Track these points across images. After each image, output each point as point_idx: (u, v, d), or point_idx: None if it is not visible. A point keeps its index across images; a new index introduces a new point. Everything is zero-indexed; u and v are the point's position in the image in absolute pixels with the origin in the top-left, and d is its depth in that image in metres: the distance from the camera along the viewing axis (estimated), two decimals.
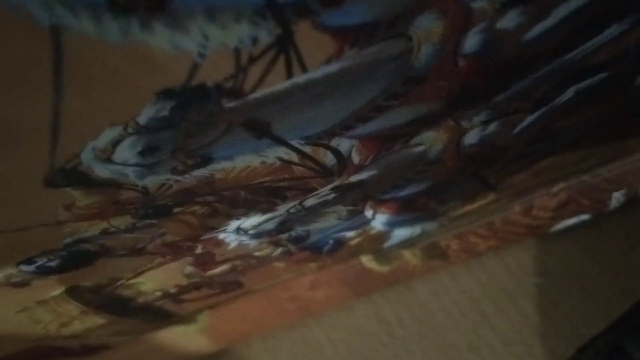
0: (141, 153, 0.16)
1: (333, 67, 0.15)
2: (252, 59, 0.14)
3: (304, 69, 0.15)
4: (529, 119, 0.23)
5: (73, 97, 0.13)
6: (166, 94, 0.14)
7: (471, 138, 0.23)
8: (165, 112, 0.14)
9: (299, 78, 0.15)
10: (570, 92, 0.22)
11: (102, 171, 0.16)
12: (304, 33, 0.14)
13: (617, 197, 0.35)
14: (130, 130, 0.15)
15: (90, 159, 0.15)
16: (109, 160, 0.16)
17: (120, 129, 0.15)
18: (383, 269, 0.35)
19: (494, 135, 0.23)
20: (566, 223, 0.35)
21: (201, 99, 0.14)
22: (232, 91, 0.15)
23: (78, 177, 0.16)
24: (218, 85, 0.14)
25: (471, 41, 0.16)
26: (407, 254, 0.35)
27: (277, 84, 0.15)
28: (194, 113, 0.15)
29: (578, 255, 0.35)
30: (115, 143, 0.15)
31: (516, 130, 0.24)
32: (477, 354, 0.35)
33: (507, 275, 0.36)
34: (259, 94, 0.15)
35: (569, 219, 0.35)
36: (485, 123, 0.22)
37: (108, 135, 0.15)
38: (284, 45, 0.14)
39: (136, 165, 0.16)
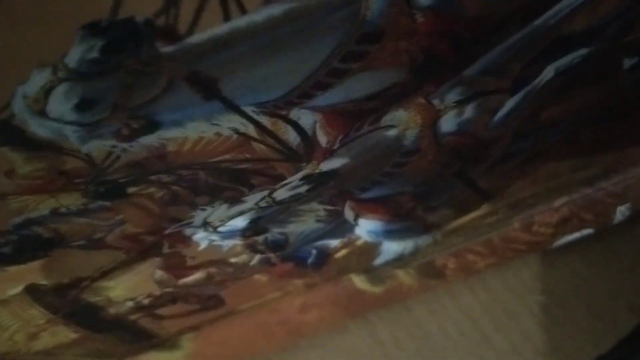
0: (78, 107, 0.15)
1: (275, 10, 0.14)
2: None
3: (242, 9, 0.14)
4: (509, 104, 0.22)
5: None
6: (91, 29, 0.13)
7: (448, 124, 0.22)
8: (95, 53, 0.14)
9: (239, 21, 0.14)
10: (550, 72, 0.21)
11: (38, 128, 0.15)
12: None
13: (621, 211, 0.34)
14: (60, 74, 0.14)
15: (23, 110, 0.15)
16: (43, 113, 0.15)
17: (49, 73, 0.14)
18: (376, 289, 0.34)
19: (473, 123, 0.22)
20: (568, 238, 0.33)
21: (133, 38, 0.14)
22: (166, 31, 0.14)
23: (13, 133, 0.15)
24: (149, 21, 0.14)
25: None
26: (401, 274, 0.33)
27: (216, 26, 0.14)
28: (128, 57, 0.14)
29: (582, 271, 0.34)
30: (47, 90, 0.14)
31: (497, 118, 0.23)
32: None
33: (508, 292, 0.34)
34: (197, 38, 0.14)
35: (571, 234, 0.33)
36: (460, 104, 0.21)
37: (37, 79, 0.14)
38: None
39: (74, 123, 0.15)
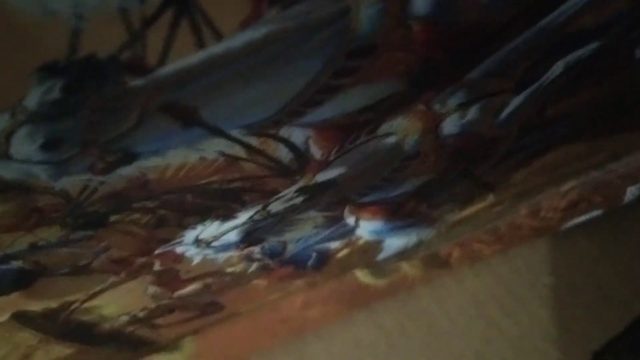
0: (44, 147, 0.14)
1: (254, 34, 0.13)
2: (147, 22, 0.12)
3: (218, 35, 0.13)
4: (515, 102, 0.21)
5: None
6: (49, 70, 0.12)
7: (451, 127, 0.21)
8: (56, 94, 0.12)
9: (215, 48, 0.13)
10: (558, 67, 0.20)
11: (4, 171, 0.14)
12: None
13: (632, 191, 0.32)
14: (20, 117, 0.13)
15: None
16: (6, 156, 0.14)
17: (7, 117, 0.13)
18: (380, 282, 0.33)
19: (476, 124, 0.21)
20: (576, 221, 0.32)
21: (96, 75, 0.12)
22: (134, 64, 0.12)
23: None
24: (112, 56, 0.12)
25: (422, 0, 0.14)
26: (405, 266, 0.32)
27: (190, 56, 0.13)
28: (91, 94, 0.13)
29: (590, 252, 0.32)
30: (8, 134, 0.13)
31: (502, 116, 0.21)
32: None
33: (515, 276, 0.33)
34: (169, 69, 0.13)
35: (580, 217, 0.32)
36: (463, 107, 0.19)
37: None
38: (183, 3, 0.12)
39: (43, 162, 0.14)
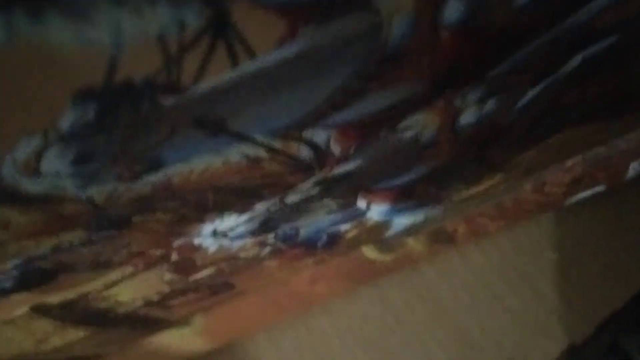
0: (74, 162, 0.14)
1: (288, 51, 0.13)
2: (183, 48, 0.11)
3: (252, 55, 0.12)
4: (532, 93, 0.21)
5: None
6: (84, 96, 0.12)
7: (468, 118, 0.21)
8: (90, 117, 0.12)
9: (249, 66, 0.13)
10: (576, 61, 0.19)
11: (32, 186, 0.14)
12: (243, 12, 0.11)
13: (634, 167, 0.33)
14: (52, 138, 0.13)
15: (13, 173, 0.13)
16: (36, 172, 0.13)
17: (39, 139, 0.12)
18: (386, 257, 0.33)
19: (493, 114, 0.21)
20: (580, 196, 0.33)
21: (131, 98, 0.12)
22: (169, 86, 0.12)
23: (5, 195, 0.14)
24: (148, 80, 0.12)
25: (453, 8, 0.14)
26: (410, 241, 0.32)
27: (223, 74, 0.13)
28: (126, 115, 0.12)
29: (594, 228, 0.33)
30: (38, 154, 0.13)
31: (518, 106, 0.21)
32: (490, 337, 0.33)
33: (520, 252, 0.33)
34: (203, 88, 0.13)
35: (583, 192, 0.33)
36: (481, 101, 0.19)
37: (26, 146, 0.13)
38: (221, 28, 0.11)
39: (72, 175, 0.14)
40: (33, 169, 0.13)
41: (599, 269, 0.33)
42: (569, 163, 0.31)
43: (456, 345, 0.33)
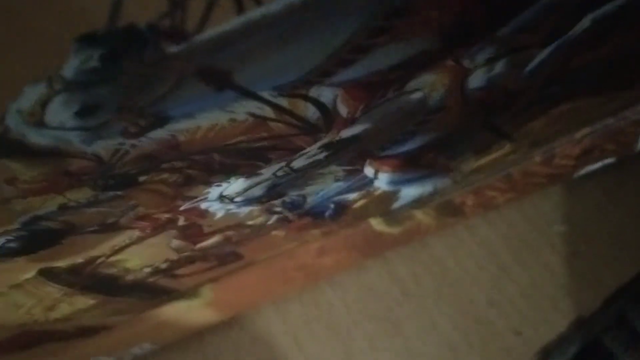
0: (79, 114, 0.13)
1: None
2: None
3: (258, 1, 0.12)
4: (541, 56, 0.20)
5: None
6: (88, 40, 0.12)
7: (477, 81, 0.20)
8: (94, 63, 0.12)
9: (254, 13, 0.13)
10: (586, 22, 0.19)
11: (38, 138, 0.14)
12: None
13: None
14: (57, 86, 0.12)
15: (19, 124, 0.13)
16: (41, 123, 0.13)
17: (44, 87, 0.12)
18: (394, 230, 0.33)
19: (502, 77, 0.21)
20: (590, 168, 0.32)
21: (135, 43, 0.12)
22: (173, 32, 0.12)
23: (11, 147, 0.14)
24: (152, 25, 0.12)
25: None
26: (419, 214, 0.32)
27: (229, 21, 0.13)
28: (131, 62, 0.12)
29: (603, 200, 0.33)
30: (43, 103, 0.13)
31: (527, 69, 0.21)
32: (497, 310, 0.33)
33: (528, 224, 0.33)
34: (207, 35, 0.13)
35: (593, 164, 0.32)
36: (491, 61, 0.19)
37: (31, 94, 0.12)
38: None
39: (77, 128, 0.14)
40: (38, 119, 0.13)
41: (607, 242, 0.32)
42: (579, 135, 0.31)
43: (463, 318, 0.33)
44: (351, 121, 0.19)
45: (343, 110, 0.18)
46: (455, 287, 0.34)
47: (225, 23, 0.13)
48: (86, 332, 0.30)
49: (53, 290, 0.24)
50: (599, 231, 0.33)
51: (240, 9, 0.12)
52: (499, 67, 0.20)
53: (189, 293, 0.32)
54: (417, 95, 0.19)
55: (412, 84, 0.19)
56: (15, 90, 0.12)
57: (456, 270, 0.34)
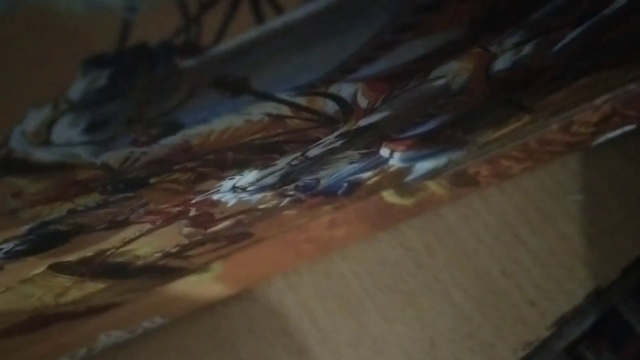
0: (87, 130, 0.12)
1: (318, 4, 0.11)
2: (204, 6, 0.10)
3: (279, 10, 0.11)
4: (571, 35, 0.19)
5: None
6: (95, 62, 0.10)
7: (502, 63, 0.19)
8: (103, 82, 0.11)
9: (275, 22, 0.11)
10: (621, 0, 0.18)
11: (44, 155, 0.13)
12: None
13: None
14: (63, 107, 0.11)
15: (24, 145, 0.12)
16: (47, 143, 0.12)
17: (48, 109, 0.11)
18: (406, 202, 0.32)
19: (529, 58, 0.19)
20: (609, 136, 0.31)
21: (145, 62, 0.11)
22: (187, 48, 0.11)
23: (15, 166, 0.13)
24: (165, 43, 0.11)
25: None
26: (432, 185, 0.31)
27: (247, 31, 0.11)
28: (140, 80, 0.11)
29: (621, 168, 0.32)
30: (49, 124, 0.12)
31: (556, 49, 0.20)
32: (512, 280, 0.33)
33: (543, 193, 0.32)
34: (223, 47, 0.12)
35: (612, 131, 0.31)
36: (519, 45, 0.18)
37: (34, 117, 0.11)
38: None
39: (85, 143, 0.13)
40: (44, 139, 0.12)
41: (625, 211, 0.32)
42: (598, 101, 0.29)
43: (477, 288, 0.32)
44: (370, 111, 0.18)
45: (363, 102, 0.17)
46: (469, 258, 0.33)
47: (243, 33, 0.11)
48: (96, 310, 0.30)
49: (63, 280, 0.23)
50: (617, 200, 0.32)
51: (259, 19, 0.11)
52: (527, 49, 0.19)
53: (200, 268, 0.31)
54: (440, 82, 0.18)
55: (435, 72, 0.18)
56: (19, 114, 0.11)
57: (470, 241, 0.33)
